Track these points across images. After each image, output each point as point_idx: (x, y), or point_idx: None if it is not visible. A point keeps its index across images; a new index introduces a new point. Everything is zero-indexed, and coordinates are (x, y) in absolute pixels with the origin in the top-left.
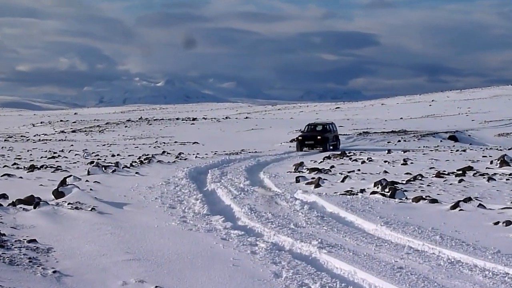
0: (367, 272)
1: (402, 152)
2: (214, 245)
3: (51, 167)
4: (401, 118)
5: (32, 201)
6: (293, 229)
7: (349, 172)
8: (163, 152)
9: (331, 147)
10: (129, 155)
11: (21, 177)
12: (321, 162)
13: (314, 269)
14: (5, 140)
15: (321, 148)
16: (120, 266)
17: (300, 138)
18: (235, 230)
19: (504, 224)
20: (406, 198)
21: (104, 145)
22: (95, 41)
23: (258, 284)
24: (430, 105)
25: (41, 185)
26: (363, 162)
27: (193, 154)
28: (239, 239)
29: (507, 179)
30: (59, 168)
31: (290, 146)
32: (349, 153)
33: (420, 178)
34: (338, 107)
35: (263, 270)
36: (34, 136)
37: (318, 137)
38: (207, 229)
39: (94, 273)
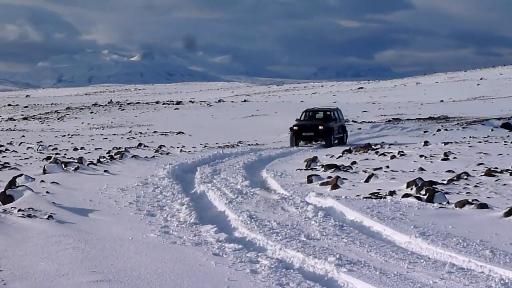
0: None
1: (443, 144)
2: (204, 262)
3: None
4: (441, 101)
5: None
6: (304, 242)
7: (375, 169)
8: (140, 144)
9: (336, 141)
10: (96, 149)
11: None
12: (339, 157)
13: None
14: None
15: (323, 142)
16: None
17: (295, 128)
18: (231, 244)
19: None
20: (448, 202)
21: (64, 136)
22: (53, 3)
23: None
24: (478, 85)
25: None
26: (393, 156)
27: (178, 148)
28: (235, 254)
29: None
30: (7, 165)
31: None
32: (375, 145)
33: (465, 177)
34: (361, 88)
35: None
36: None
37: (320, 128)
38: (195, 242)
39: None
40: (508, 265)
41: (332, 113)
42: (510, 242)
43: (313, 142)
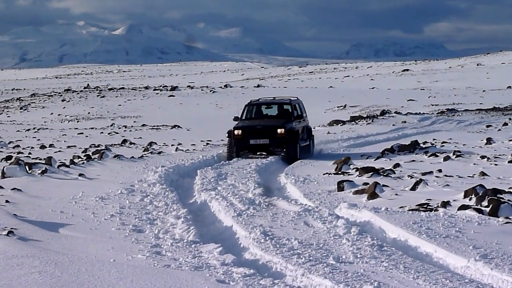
0: None
1: (511, 143)
2: None
3: None
4: (509, 87)
5: None
6: (333, 266)
7: (423, 174)
8: (124, 141)
9: (300, 152)
10: (68, 147)
11: None
12: (378, 158)
13: None
14: None
15: (282, 154)
16: None
17: (237, 133)
18: (240, 268)
19: None
20: None
21: (28, 130)
22: None
23: None
24: None
25: None
26: (446, 158)
27: (173, 145)
28: (245, 281)
29: None
30: None
31: (328, 132)
32: (423, 143)
33: None
34: (407, 70)
35: None
36: None
37: (279, 131)
38: (194, 266)
39: None
40: None
41: (292, 107)
42: None
43: (264, 154)
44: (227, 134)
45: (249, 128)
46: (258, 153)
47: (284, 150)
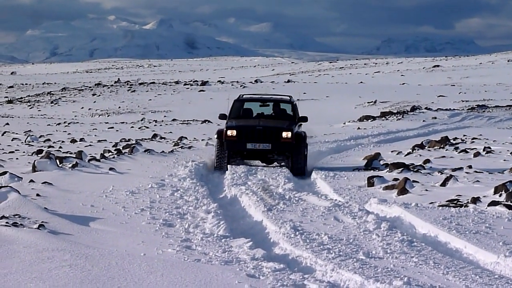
0: None
1: None
2: (236, 285)
3: None
4: None
5: None
6: (363, 261)
7: (454, 170)
8: (155, 136)
9: (301, 162)
10: (99, 141)
11: None
12: (408, 153)
13: None
14: None
15: (283, 163)
16: None
17: (231, 134)
18: (270, 262)
19: None
20: None
21: (59, 124)
22: None
23: None
24: None
25: None
26: (477, 154)
27: (203, 140)
28: (275, 276)
29: None
30: None
31: (359, 128)
32: (454, 139)
33: None
34: (437, 66)
35: None
36: None
37: (285, 135)
38: (224, 260)
39: None
40: None
41: (293, 106)
42: None
43: (264, 162)
44: (216, 135)
45: (246, 129)
46: (250, 159)
47: (289, 159)
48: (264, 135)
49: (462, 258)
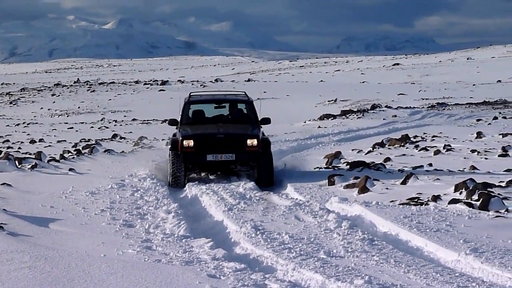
0: None
1: (501, 137)
2: (197, 285)
3: None
4: (499, 81)
5: None
6: (324, 260)
7: (414, 168)
8: (115, 136)
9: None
10: (59, 142)
11: None
12: (369, 152)
13: None
14: None
15: (249, 172)
16: None
17: (188, 145)
18: (231, 262)
19: None
20: (507, 210)
21: (18, 124)
22: None
23: None
24: None
25: None
26: (437, 152)
27: (164, 140)
28: (236, 276)
29: None
30: None
31: (319, 126)
32: (414, 137)
33: None
34: (397, 64)
35: None
36: None
37: (250, 143)
38: (185, 261)
39: None
40: None
41: (250, 105)
42: None
43: (227, 174)
44: (170, 146)
45: (205, 138)
46: (212, 172)
47: (254, 169)
48: (227, 144)
49: (423, 256)
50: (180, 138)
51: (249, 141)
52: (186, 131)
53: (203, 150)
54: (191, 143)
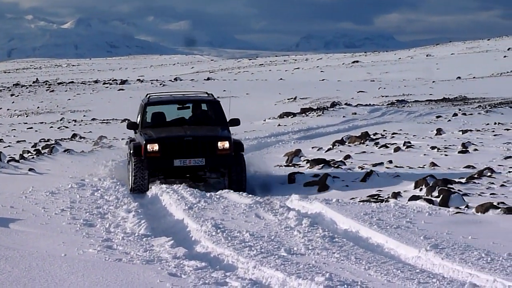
0: None
1: (460, 133)
2: (158, 284)
3: None
4: (458, 77)
5: None
6: (284, 258)
7: (374, 165)
8: (74, 136)
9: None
10: (18, 142)
11: None
12: (329, 149)
13: None
14: None
15: (218, 179)
16: None
17: (152, 150)
18: (192, 261)
19: None
20: (467, 206)
21: None
22: None
23: None
24: (505, 57)
25: None
26: (397, 149)
27: (123, 139)
28: (197, 274)
29: None
30: None
31: (279, 124)
32: (374, 134)
33: (489, 174)
34: (357, 61)
35: None
36: None
37: (220, 146)
38: (146, 260)
39: None
40: None
41: (217, 105)
42: None
43: (197, 182)
44: (131, 151)
45: (172, 141)
46: (182, 179)
47: (225, 175)
48: (195, 148)
49: (383, 253)
50: (144, 142)
51: (220, 144)
52: (149, 134)
53: (170, 154)
54: (155, 147)
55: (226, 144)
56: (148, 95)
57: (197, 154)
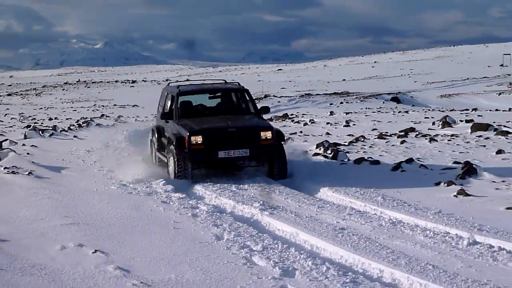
0: (309, 233)
1: (345, 114)
2: (155, 208)
3: None
4: (344, 80)
5: None
6: (234, 192)
7: (291, 134)
8: (102, 115)
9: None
10: (67, 119)
11: None
12: None
13: (256, 231)
14: None
15: (257, 167)
16: (59, 230)
17: (196, 142)
18: (177, 193)
19: (446, 184)
20: (349, 159)
21: (41, 108)
22: (32, 1)
23: (199, 246)
24: (373, 67)
25: None
26: (305, 124)
27: (133, 117)
28: (180, 202)
29: (448, 140)
30: None
31: None
32: (291, 115)
33: (362, 139)
34: (280, 69)
35: (205, 233)
36: None
37: (264, 136)
38: (147, 192)
39: (31, 238)
40: (395, 208)
41: (248, 94)
42: (397, 190)
43: (238, 170)
44: (175, 143)
45: (216, 133)
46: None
47: (264, 163)
48: (239, 139)
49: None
50: (188, 134)
51: (263, 134)
52: (189, 126)
53: (214, 146)
54: (199, 139)
55: (269, 134)
56: (178, 85)
57: (241, 145)
